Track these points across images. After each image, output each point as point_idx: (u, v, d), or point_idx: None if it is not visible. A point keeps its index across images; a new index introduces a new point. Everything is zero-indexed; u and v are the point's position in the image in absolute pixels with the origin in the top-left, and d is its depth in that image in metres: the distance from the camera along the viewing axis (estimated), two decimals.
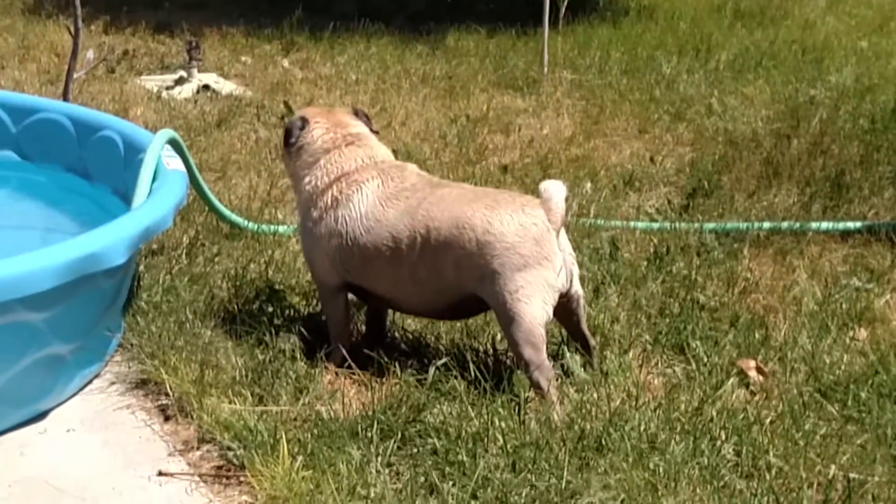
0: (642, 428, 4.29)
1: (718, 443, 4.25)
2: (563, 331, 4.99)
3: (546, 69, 10.21)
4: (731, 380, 4.79)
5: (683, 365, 4.96)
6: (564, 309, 4.70)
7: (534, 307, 4.48)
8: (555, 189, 4.60)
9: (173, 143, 5.63)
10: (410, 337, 5.14)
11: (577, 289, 4.73)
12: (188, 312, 5.13)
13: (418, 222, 4.63)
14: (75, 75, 7.73)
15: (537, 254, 4.49)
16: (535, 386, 4.49)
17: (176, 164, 5.47)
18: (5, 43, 10.62)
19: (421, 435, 4.23)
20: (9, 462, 4.21)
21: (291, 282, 5.57)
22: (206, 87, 9.41)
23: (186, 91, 9.33)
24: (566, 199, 4.63)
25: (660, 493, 3.87)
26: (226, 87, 9.57)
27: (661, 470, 4.01)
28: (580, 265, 5.64)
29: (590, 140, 8.44)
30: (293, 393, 4.56)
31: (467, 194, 4.71)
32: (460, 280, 4.58)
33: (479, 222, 4.53)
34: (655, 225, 6.67)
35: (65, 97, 7.60)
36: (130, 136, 5.98)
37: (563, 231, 4.65)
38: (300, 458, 4.05)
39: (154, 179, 5.25)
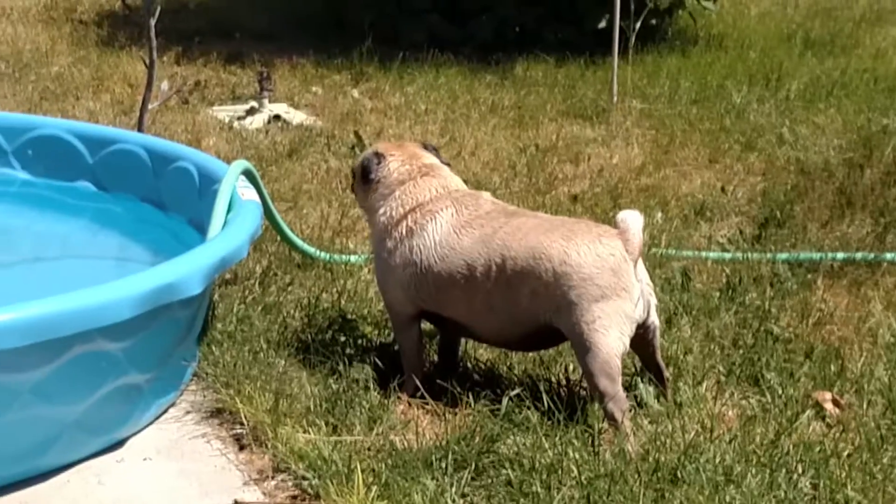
0: (717, 460, 4.26)
1: (795, 476, 4.22)
2: (637, 361, 4.97)
3: (615, 98, 10.20)
4: (807, 412, 4.75)
5: (758, 397, 4.93)
6: (640, 339, 4.69)
7: (611, 338, 4.47)
8: (632, 219, 4.60)
9: (247, 173, 5.68)
10: (483, 367, 5.15)
11: (654, 319, 4.72)
12: (262, 342, 5.17)
13: (494, 251, 4.64)
14: (150, 106, 7.81)
15: (615, 285, 4.49)
16: (609, 417, 4.48)
17: (250, 194, 5.52)
18: (80, 74, 10.74)
19: (495, 466, 4.24)
20: (87, 490, 4.26)
21: (364, 311, 5.59)
22: (277, 117, 9.48)
23: (258, 121, 9.40)
24: (643, 229, 4.62)
25: None
26: (296, 117, 9.64)
27: (737, 503, 3.99)
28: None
29: (660, 169, 8.42)
30: (367, 423, 4.57)
31: (543, 224, 4.71)
32: (536, 310, 4.58)
33: (556, 253, 4.53)
34: (727, 255, 6.64)
35: (139, 128, 7.68)
36: (205, 167, 6.04)
37: (640, 261, 4.64)
38: (375, 487, 4.07)
39: (229, 210, 5.29)
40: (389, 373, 4.97)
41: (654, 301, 4.72)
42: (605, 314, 4.47)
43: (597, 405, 4.49)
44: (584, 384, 4.69)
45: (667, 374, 4.88)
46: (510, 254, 4.61)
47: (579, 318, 4.48)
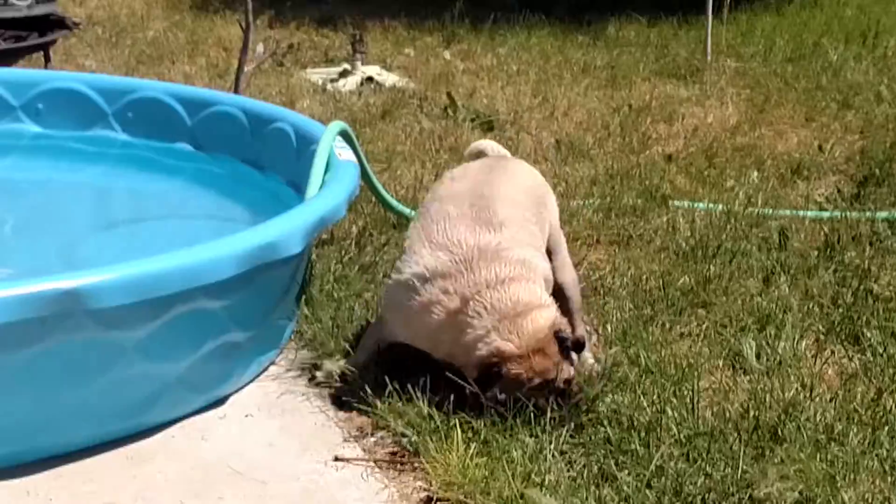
0: (818, 418, 4.25)
1: None
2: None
3: (709, 57, 10.12)
4: None
5: (859, 355, 4.89)
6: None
7: None
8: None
9: (344, 134, 5.70)
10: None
11: None
12: (359, 301, 5.20)
13: None
14: (245, 69, 7.87)
15: None
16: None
17: (347, 154, 5.55)
18: (175, 38, 10.86)
19: (594, 423, 4.24)
20: (191, 445, 4.32)
21: None
22: (370, 79, 9.52)
23: (351, 83, 9.45)
24: None
25: (839, 485, 3.83)
26: (389, 79, 9.67)
27: (839, 461, 3.97)
28: (748, 255, 5.63)
29: (755, 129, 8.35)
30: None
31: None
32: None
33: None
34: (825, 214, 6.57)
35: (236, 90, 7.75)
36: (302, 128, 6.08)
37: None
38: (474, 444, 4.09)
39: (326, 170, 5.33)
40: None
41: None
42: None
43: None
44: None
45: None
46: None
47: None
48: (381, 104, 8.78)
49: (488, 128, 8.23)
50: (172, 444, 4.32)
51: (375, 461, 4.22)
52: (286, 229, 4.60)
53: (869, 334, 5.02)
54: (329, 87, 9.38)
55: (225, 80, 9.02)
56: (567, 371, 4.33)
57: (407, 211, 6.23)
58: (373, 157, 7.29)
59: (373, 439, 4.36)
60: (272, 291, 4.81)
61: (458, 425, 4.15)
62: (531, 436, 4.16)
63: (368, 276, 5.49)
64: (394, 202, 6.24)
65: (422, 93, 9.21)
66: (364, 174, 5.85)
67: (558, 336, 4.34)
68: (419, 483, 4.09)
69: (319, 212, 4.83)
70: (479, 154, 5.43)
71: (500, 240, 4.54)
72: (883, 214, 6.46)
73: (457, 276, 4.44)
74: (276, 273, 4.71)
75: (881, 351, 4.87)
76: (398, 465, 4.19)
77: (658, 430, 4.18)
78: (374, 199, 6.25)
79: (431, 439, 4.16)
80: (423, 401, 4.35)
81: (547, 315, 4.36)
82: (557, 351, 4.31)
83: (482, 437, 4.15)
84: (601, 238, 6.22)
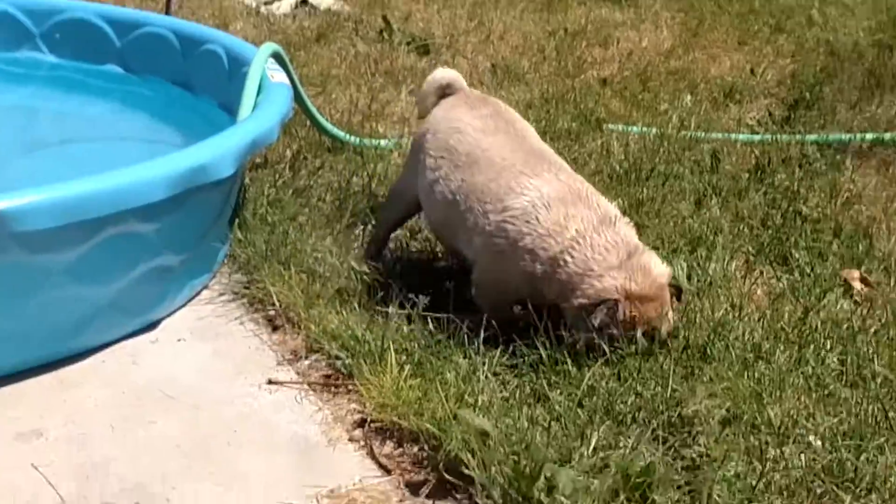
0: (747, 338, 4.30)
1: (823, 352, 4.25)
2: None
3: None
4: (836, 290, 4.77)
5: (787, 276, 4.94)
6: None
7: None
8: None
9: (276, 56, 5.66)
10: None
11: None
12: (293, 225, 5.19)
13: None
14: None
15: None
16: None
17: (280, 77, 5.51)
18: None
19: (528, 344, 4.26)
20: (122, 370, 4.31)
21: None
22: (305, 2, 9.42)
23: (285, 6, 9.35)
24: None
25: (765, 402, 3.88)
26: (324, 2, 9.57)
27: (766, 379, 4.03)
28: (681, 177, 5.67)
29: (689, 52, 8.36)
30: (399, 304, 4.61)
31: None
32: None
33: None
34: (757, 137, 6.62)
35: (167, 11, 7.66)
36: (234, 50, 6.03)
37: None
38: (408, 367, 4.10)
39: (259, 93, 5.29)
40: (425, 252, 5.01)
41: None
42: None
43: None
44: None
45: None
46: None
47: None
48: (315, 27, 8.71)
49: (424, 51, 8.19)
50: (103, 369, 4.30)
51: (309, 384, 4.24)
52: (217, 151, 4.57)
53: (797, 255, 5.08)
54: (263, 9, 9.28)
55: (157, 2, 8.90)
56: (671, 322, 4.27)
57: (341, 135, 6.21)
58: (307, 81, 7.25)
59: (307, 362, 4.37)
60: (204, 215, 4.79)
61: (391, 347, 4.16)
62: (465, 357, 4.18)
63: (302, 199, 5.47)
64: (328, 125, 6.21)
65: (357, 16, 9.14)
66: (298, 97, 5.82)
67: (673, 285, 4.31)
68: (353, 405, 4.11)
69: (251, 134, 4.80)
70: (447, 86, 5.00)
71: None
72: (812, 137, 6.51)
73: (577, 204, 4.31)
74: (207, 196, 4.68)
75: (808, 271, 4.93)
76: (332, 388, 4.21)
77: (590, 350, 4.21)
78: (308, 122, 6.22)
79: (365, 362, 4.17)
80: (357, 323, 4.36)
81: (663, 263, 4.30)
82: (669, 299, 4.26)
83: (416, 358, 4.16)
84: None
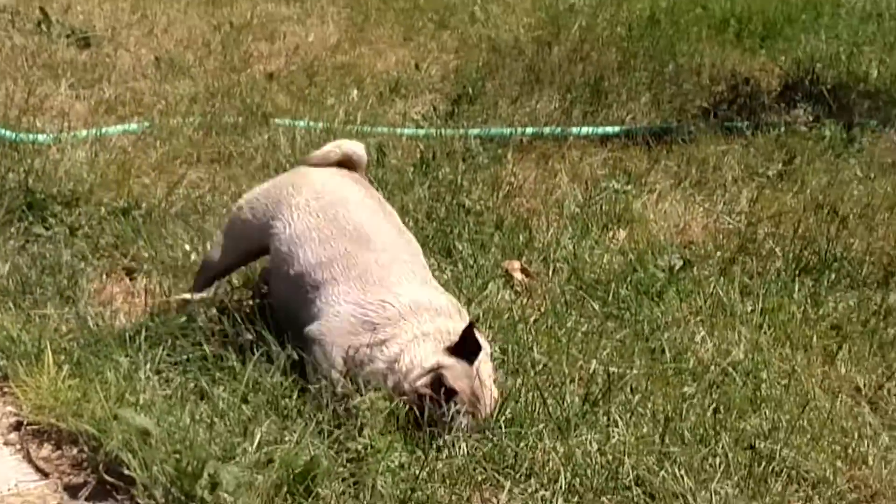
0: None
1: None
2: None
3: None
4: (497, 280, 4.89)
5: (451, 267, 5.03)
6: None
7: None
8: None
9: None
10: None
11: None
12: None
13: None
14: None
15: None
16: None
17: None
18: None
19: (192, 343, 4.21)
20: None
21: (53, 191, 5.43)
22: None
23: None
24: None
25: None
26: None
27: None
28: None
29: (355, 47, 8.42)
30: (58, 304, 4.48)
31: None
32: None
33: None
34: (422, 131, 6.72)
35: None
36: None
37: None
38: (66, 367, 3.99)
39: None
40: (87, 251, 4.90)
41: None
42: None
43: None
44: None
45: None
46: None
47: None
48: None
49: (85, 44, 7.97)
50: None
51: None
52: None
53: (460, 246, 5.18)
54: None
55: None
56: None
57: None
58: None
59: None
60: None
61: (48, 348, 4.03)
62: (126, 356, 4.09)
63: None
64: None
65: (14, 7, 8.79)
66: None
67: None
68: (9, 408, 3.98)
69: None
70: (346, 159, 4.66)
71: None
72: (475, 131, 6.66)
73: None
74: None
75: (471, 262, 5.04)
76: None
77: (253, 347, 4.18)
78: None
79: (21, 363, 4.03)
80: (12, 323, 4.21)
81: None
82: None
83: (75, 358, 4.06)
84: (202, 156, 6.16)
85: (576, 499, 3.62)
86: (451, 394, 3.80)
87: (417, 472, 3.58)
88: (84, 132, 6.25)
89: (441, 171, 6.04)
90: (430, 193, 5.77)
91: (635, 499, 3.63)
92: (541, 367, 4.24)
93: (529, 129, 6.76)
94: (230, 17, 8.96)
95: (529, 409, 3.98)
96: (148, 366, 4.04)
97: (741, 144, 6.73)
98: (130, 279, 4.84)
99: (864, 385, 4.40)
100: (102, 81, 7.23)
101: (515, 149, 6.48)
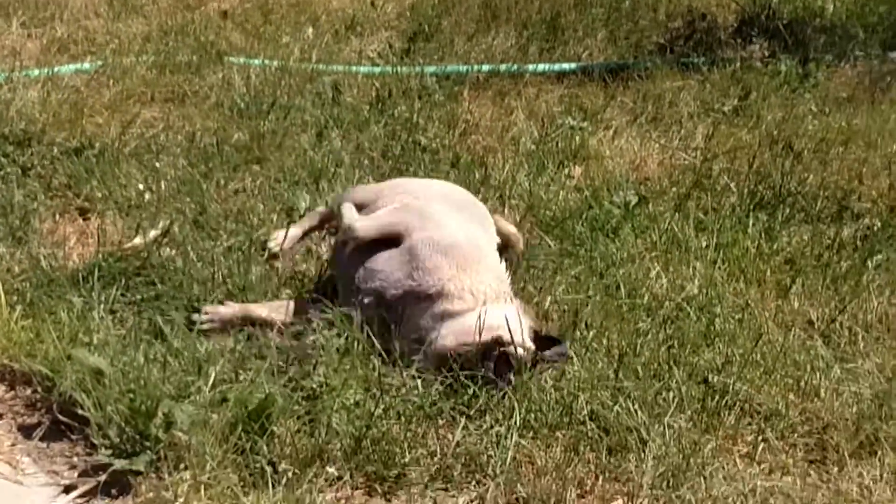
0: None
1: None
2: None
3: None
4: None
5: None
6: None
7: None
8: None
9: None
10: None
11: None
12: None
13: None
14: None
15: None
16: None
17: None
18: None
19: (145, 283, 4.20)
20: None
21: (5, 130, 5.39)
22: None
23: None
24: None
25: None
26: None
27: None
28: (302, 110, 5.67)
29: None
30: (11, 244, 4.46)
31: None
32: None
33: None
34: (377, 69, 6.68)
35: None
36: None
37: None
38: (19, 307, 3.97)
39: None
40: (39, 190, 4.88)
41: None
42: None
43: None
44: None
45: None
46: None
47: None
48: None
49: None
50: None
51: None
52: None
53: None
54: None
55: None
56: None
57: None
58: None
59: None
60: None
61: (0, 289, 4.00)
62: (80, 296, 4.07)
63: None
64: None
65: None
66: None
67: None
68: None
69: None
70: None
71: None
72: (431, 69, 6.63)
73: None
74: None
75: None
76: None
77: (211, 283, 4.19)
78: None
79: None
80: None
81: None
82: None
83: (28, 299, 4.04)
84: (155, 95, 6.12)
85: (530, 434, 3.64)
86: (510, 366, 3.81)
87: (373, 409, 3.59)
88: (36, 71, 6.19)
89: (397, 109, 6.02)
90: (386, 132, 5.76)
91: (589, 433, 3.66)
92: None
93: (486, 67, 6.73)
94: None
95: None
96: (102, 306, 4.05)
97: (697, 80, 6.71)
98: (84, 219, 4.81)
99: (817, 318, 4.43)
100: (55, 20, 7.15)
101: (471, 86, 6.46)
